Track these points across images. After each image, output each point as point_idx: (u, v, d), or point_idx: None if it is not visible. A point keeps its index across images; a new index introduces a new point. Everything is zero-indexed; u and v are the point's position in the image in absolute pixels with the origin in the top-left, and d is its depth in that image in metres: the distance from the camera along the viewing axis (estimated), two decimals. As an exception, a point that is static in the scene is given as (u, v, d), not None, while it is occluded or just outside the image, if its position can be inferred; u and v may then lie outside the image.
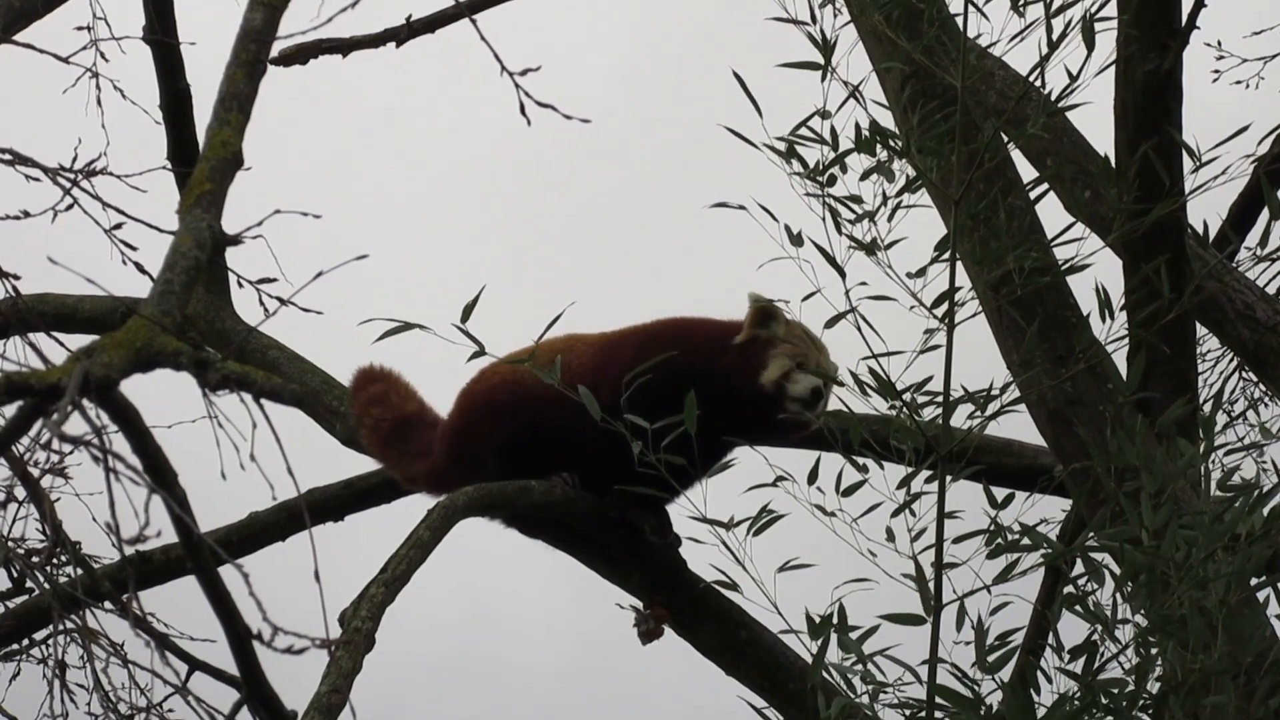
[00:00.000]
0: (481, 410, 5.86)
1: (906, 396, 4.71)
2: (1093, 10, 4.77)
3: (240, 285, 5.10)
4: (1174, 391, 5.09)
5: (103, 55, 6.36)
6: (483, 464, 5.74)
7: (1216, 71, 8.48)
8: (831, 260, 4.79)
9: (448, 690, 9.97)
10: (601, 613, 5.85)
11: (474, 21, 3.79)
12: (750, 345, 5.68)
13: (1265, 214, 4.97)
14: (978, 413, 4.73)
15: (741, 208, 4.83)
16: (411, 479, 6.04)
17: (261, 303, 5.04)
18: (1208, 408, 6.59)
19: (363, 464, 6.43)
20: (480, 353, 5.01)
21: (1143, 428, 4.54)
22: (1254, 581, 4.43)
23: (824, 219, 4.84)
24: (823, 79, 4.85)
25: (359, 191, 10.35)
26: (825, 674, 4.60)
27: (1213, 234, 5.94)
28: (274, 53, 5.72)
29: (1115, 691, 4.38)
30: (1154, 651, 4.35)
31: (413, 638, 9.80)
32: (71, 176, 5.10)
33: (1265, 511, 4.37)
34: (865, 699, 4.55)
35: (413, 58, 6.51)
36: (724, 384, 5.55)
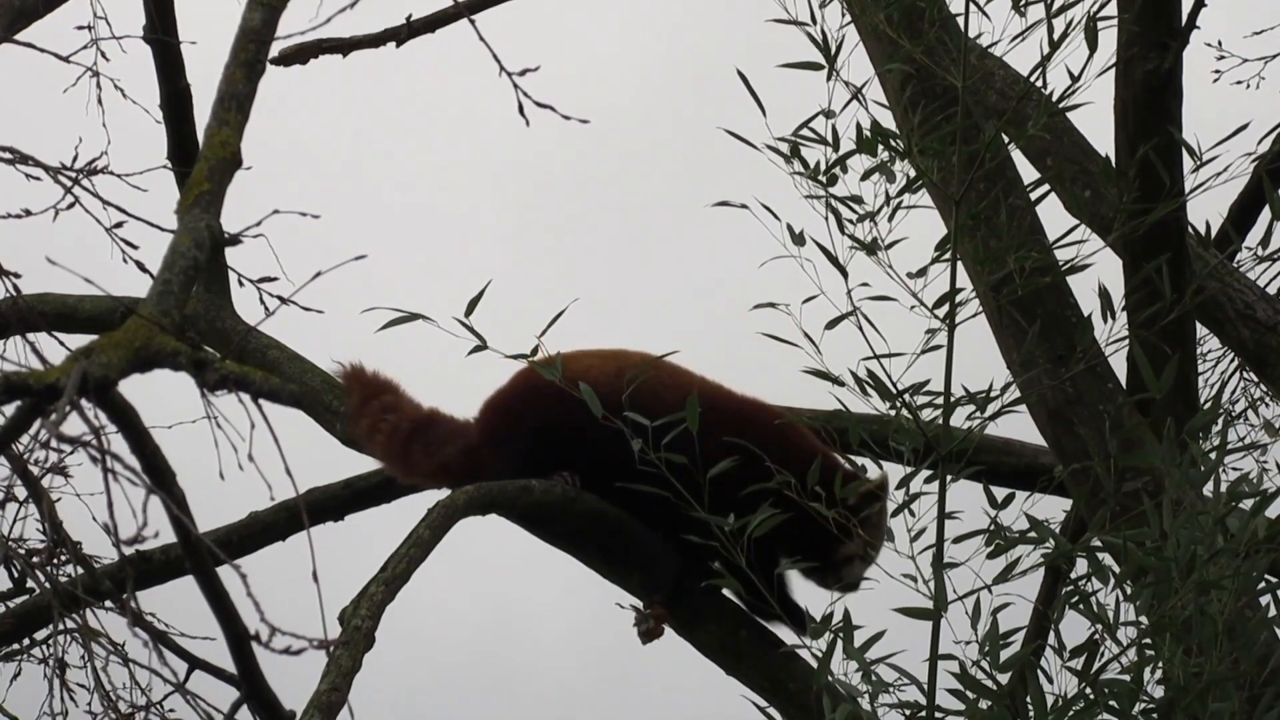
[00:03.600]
0: (528, 393, 5.84)
1: (906, 397, 4.71)
2: (1094, 10, 4.77)
3: (241, 284, 5.10)
4: (1174, 391, 5.09)
5: (103, 54, 6.36)
6: (516, 443, 5.74)
7: (1217, 71, 8.48)
8: (834, 260, 4.79)
9: (468, 696, 9.99)
10: (620, 617, 5.87)
11: (473, 22, 3.79)
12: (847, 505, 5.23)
13: (1266, 214, 4.98)
14: (978, 413, 4.73)
15: (744, 207, 4.83)
16: (443, 466, 5.98)
17: (262, 301, 5.05)
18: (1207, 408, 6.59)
19: (363, 464, 6.44)
20: (482, 347, 5.01)
21: (1169, 431, 4.53)
22: (1259, 586, 4.42)
23: (826, 219, 4.84)
24: (828, 79, 4.85)
25: (368, 193, 10.36)
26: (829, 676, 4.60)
27: (1213, 234, 5.93)
28: (274, 53, 5.74)
29: (1115, 691, 4.38)
30: (1150, 653, 4.34)
31: (434, 645, 9.83)
32: (73, 175, 5.10)
33: (1270, 515, 4.36)
34: (866, 700, 4.54)
35: (429, 56, 6.51)
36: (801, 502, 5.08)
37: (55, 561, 6.30)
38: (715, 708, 5.58)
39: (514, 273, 9.85)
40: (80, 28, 6.37)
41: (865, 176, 4.82)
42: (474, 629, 10.06)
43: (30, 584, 6.59)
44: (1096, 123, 5.81)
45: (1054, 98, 4.88)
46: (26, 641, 6.75)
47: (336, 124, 10.06)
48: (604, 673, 9.68)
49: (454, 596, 9.57)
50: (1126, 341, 4.90)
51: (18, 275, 5.15)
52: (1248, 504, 4.40)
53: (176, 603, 6.51)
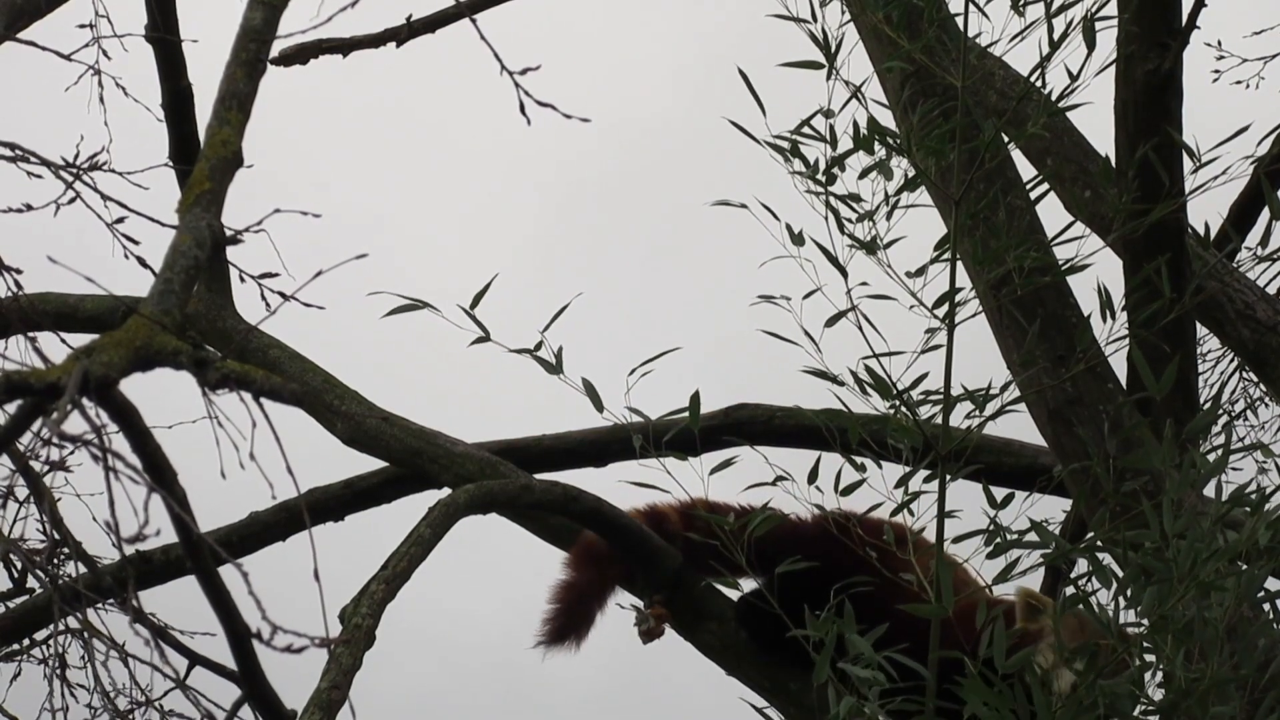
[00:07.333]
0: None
1: (905, 395, 4.72)
2: (1093, 10, 4.78)
3: (243, 280, 5.11)
4: (1174, 391, 5.10)
5: (105, 53, 6.35)
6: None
7: (1216, 71, 8.48)
8: (833, 259, 4.80)
9: (488, 701, 9.98)
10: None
11: (474, 22, 3.80)
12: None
13: (1266, 214, 4.98)
14: (977, 412, 4.73)
15: (743, 206, 4.84)
16: None
17: (264, 297, 5.06)
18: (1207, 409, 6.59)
19: (363, 464, 6.45)
20: (484, 339, 5.02)
21: (1168, 432, 4.53)
22: (1260, 594, 4.43)
23: (826, 218, 4.85)
24: (828, 77, 4.86)
25: (379, 195, 10.36)
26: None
27: (1213, 234, 5.93)
28: (274, 53, 5.74)
29: (1116, 693, 4.39)
30: (1150, 659, 4.35)
31: (455, 650, 9.83)
32: (74, 170, 5.11)
33: (1270, 516, 4.36)
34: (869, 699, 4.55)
35: (449, 57, 6.50)
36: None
37: (56, 560, 6.30)
38: (734, 715, 5.59)
39: (533, 274, 9.87)
40: (82, 26, 6.36)
41: (863, 174, 4.82)
42: (494, 634, 10.05)
43: (30, 584, 6.59)
44: (1096, 123, 5.82)
45: (1054, 97, 4.89)
46: (27, 642, 6.75)
47: (345, 124, 10.07)
48: (623, 679, 9.67)
49: (475, 602, 9.57)
50: (1127, 341, 4.91)
51: (19, 271, 5.16)
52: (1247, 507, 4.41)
53: (176, 603, 6.52)
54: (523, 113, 4.01)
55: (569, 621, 5.89)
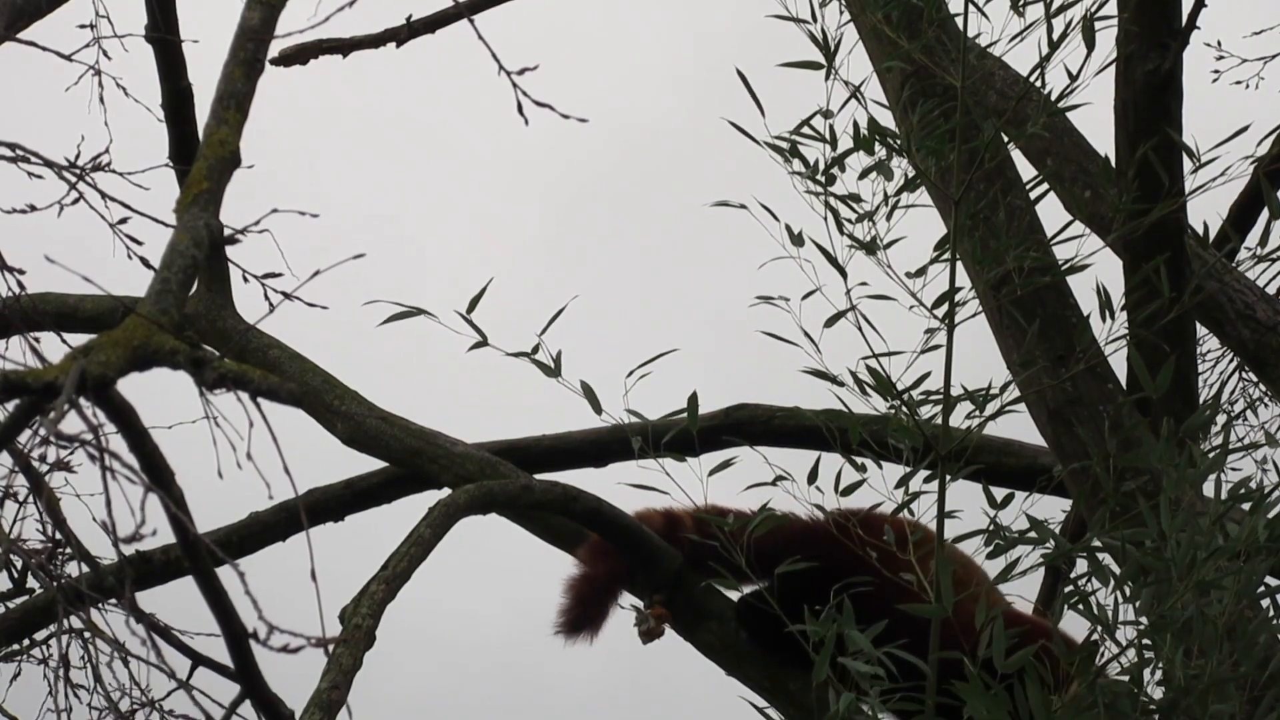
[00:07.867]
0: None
1: (905, 395, 4.72)
2: (1093, 10, 4.78)
3: (246, 280, 5.11)
4: (1174, 390, 5.10)
5: (105, 53, 6.35)
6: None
7: (1216, 71, 8.49)
8: (832, 260, 4.80)
9: (495, 702, 9.98)
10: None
11: (472, 22, 3.80)
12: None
13: (1265, 214, 4.98)
14: (977, 412, 4.73)
15: (742, 207, 4.84)
16: None
17: (267, 298, 5.06)
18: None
19: (363, 464, 6.45)
20: (482, 344, 5.02)
21: (1167, 430, 4.53)
22: (1260, 590, 4.42)
23: (825, 219, 4.85)
24: (827, 78, 4.86)
25: (386, 194, 10.36)
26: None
27: (1213, 234, 5.94)
28: (274, 53, 5.73)
29: (1115, 691, 4.38)
30: (1149, 655, 4.34)
31: (461, 652, 9.83)
32: (77, 171, 5.11)
33: (1270, 515, 4.36)
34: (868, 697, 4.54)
35: (448, 55, 6.49)
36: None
37: (57, 560, 6.30)
38: (735, 715, 5.60)
39: (536, 274, 9.86)
40: (82, 26, 6.35)
41: (864, 175, 4.82)
42: (495, 634, 10.06)
43: (30, 584, 6.59)
44: (1097, 123, 5.82)
45: (1053, 97, 4.89)
46: (27, 642, 6.75)
47: (345, 124, 10.07)
48: (623, 679, 9.67)
49: (475, 602, 9.57)
50: (1125, 341, 4.91)
51: (22, 272, 5.16)
52: (1247, 505, 4.41)
53: (175, 604, 6.53)
54: (520, 113, 4.01)
55: (585, 613, 5.90)
